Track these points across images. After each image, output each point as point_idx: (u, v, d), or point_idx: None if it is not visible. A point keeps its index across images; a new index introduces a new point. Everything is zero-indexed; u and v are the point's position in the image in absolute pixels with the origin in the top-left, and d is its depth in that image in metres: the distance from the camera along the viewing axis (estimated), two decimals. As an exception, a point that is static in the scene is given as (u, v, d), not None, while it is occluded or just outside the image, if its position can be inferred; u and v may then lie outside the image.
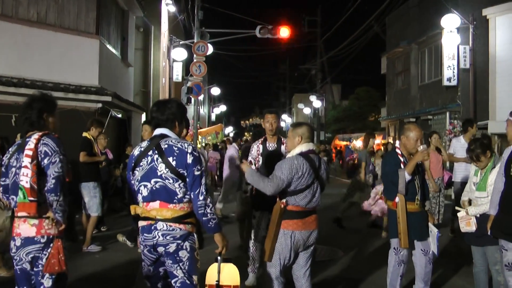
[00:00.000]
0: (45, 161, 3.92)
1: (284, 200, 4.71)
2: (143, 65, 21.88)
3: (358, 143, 35.73)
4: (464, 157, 8.27)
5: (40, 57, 12.91)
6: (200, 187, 3.78)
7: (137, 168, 3.90)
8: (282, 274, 4.83)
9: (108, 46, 15.28)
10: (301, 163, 4.64)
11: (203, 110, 46.11)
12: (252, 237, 6.43)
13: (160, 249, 3.80)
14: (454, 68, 19.69)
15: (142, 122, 16.03)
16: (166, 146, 3.84)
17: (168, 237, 3.77)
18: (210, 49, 21.28)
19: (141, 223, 3.88)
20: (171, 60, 24.80)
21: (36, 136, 3.99)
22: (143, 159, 3.87)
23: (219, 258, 4.06)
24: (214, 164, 19.19)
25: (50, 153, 3.93)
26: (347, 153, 36.80)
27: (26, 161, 3.87)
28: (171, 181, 3.78)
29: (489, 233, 4.91)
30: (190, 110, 20.12)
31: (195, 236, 3.93)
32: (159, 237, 3.77)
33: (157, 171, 3.80)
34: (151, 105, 18.01)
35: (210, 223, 3.81)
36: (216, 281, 4.05)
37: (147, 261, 3.94)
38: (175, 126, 4.02)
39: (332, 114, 44.99)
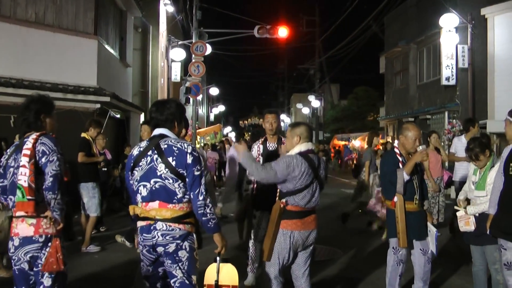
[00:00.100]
0: (43, 159, 3.94)
1: (283, 200, 4.71)
2: (141, 65, 21.88)
3: (356, 142, 35.80)
4: (465, 157, 8.27)
5: (38, 58, 12.89)
6: (200, 187, 3.78)
7: (136, 168, 3.89)
8: (281, 273, 4.83)
9: (106, 46, 15.27)
10: (299, 163, 4.63)
11: (202, 110, 46.13)
12: (252, 237, 6.43)
13: (160, 249, 3.80)
14: (452, 67, 19.71)
15: (141, 122, 16.04)
16: (165, 146, 3.84)
17: (167, 237, 3.77)
18: (209, 49, 21.28)
19: (140, 223, 3.87)
20: (170, 60, 24.81)
21: (33, 136, 4.02)
22: (143, 159, 3.87)
23: (218, 258, 4.07)
24: (213, 164, 19.19)
25: (47, 152, 3.95)
26: (346, 153, 37.03)
27: (24, 160, 3.89)
28: (170, 181, 3.78)
29: (488, 232, 4.91)
30: (189, 110, 20.05)
31: (194, 236, 3.94)
32: (158, 237, 3.77)
33: (157, 171, 3.80)
34: (149, 105, 18.02)
35: (210, 223, 3.81)
36: (215, 280, 4.06)
37: (146, 261, 3.93)
38: (174, 126, 4.02)
39: (331, 113, 45.03)
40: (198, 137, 21.54)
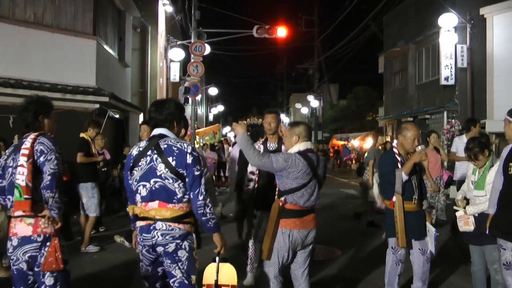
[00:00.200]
0: (41, 158, 3.95)
1: (282, 198, 4.71)
2: (140, 66, 21.87)
3: (356, 142, 35.84)
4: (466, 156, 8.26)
5: (37, 58, 12.89)
6: (200, 187, 3.78)
7: (136, 168, 3.89)
8: (281, 273, 4.83)
9: (105, 46, 15.26)
10: (298, 161, 4.63)
11: (201, 110, 46.12)
12: (252, 236, 6.43)
13: (159, 249, 3.80)
14: (451, 67, 19.73)
15: (140, 122, 16.04)
16: (165, 146, 3.84)
17: (167, 237, 3.77)
18: (208, 49, 21.31)
19: (140, 223, 3.87)
20: (169, 60, 24.83)
21: (32, 136, 4.04)
22: (142, 159, 3.87)
23: (217, 257, 4.07)
24: (212, 164, 19.19)
25: (45, 151, 3.96)
26: (345, 153, 37.04)
27: (22, 160, 3.90)
28: (170, 181, 3.78)
29: (487, 232, 4.91)
30: (188, 110, 20.07)
31: (194, 236, 3.94)
32: (158, 237, 3.77)
33: (157, 171, 3.80)
34: (148, 105, 18.01)
35: (209, 223, 3.81)
36: (215, 280, 4.07)
37: (146, 261, 3.93)
38: (173, 126, 4.02)
39: (330, 113, 45.07)
40: (197, 137, 21.53)
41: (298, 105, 52.49)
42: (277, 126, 6.32)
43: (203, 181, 3.82)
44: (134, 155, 3.95)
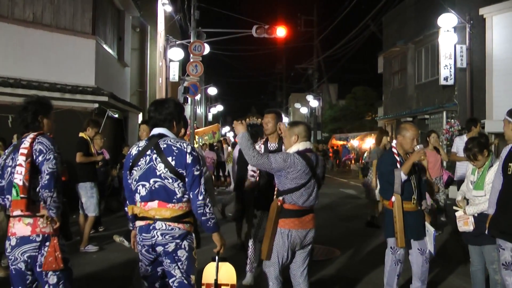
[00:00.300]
0: (40, 158, 3.96)
1: (280, 198, 4.71)
2: (139, 65, 21.86)
3: (355, 142, 35.83)
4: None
5: (36, 58, 12.88)
6: (200, 186, 3.78)
7: (135, 168, 3.88)
8: (281, 273, 4.82)
9: (104, 46, 15.25)
10: (297, 160, 4.63)
11: (200, 110, 46.11)
12: (252, 236, 6.43)
13: (159, 249, 3.80)
14: (451, 67, 19.74)
15: (139, 122, 16.03)
16: (165, 145, 3.83)
17: (167, 237, 3.76)
18: (207, 49, 21.30)
19: (139, 223, 3.87)
20: (168, 60, 24.83)
21: (31, 135, 4.06)
22: (141, 159, 3.86)
23: (216, 257, 4.07)
24: (211, 164, 19.18)
25: (44, 151, 3.98)
26: (344, 153, 37.03)
27: (21, 159, 3.92)
28: (170, 180, 3.77)
29: (487, 232, 4.91)
30: (187, 110, 20.07)
31: (193, 235, 3.94)
32: (158, 236, 3.77)
33: (156, 170, 3.79)
34: (147, 105, 18.01)
35: (209, 222, 3.81)
36: (215, 279, 4.07)
37: (145, 261, 3.93)
38: (173, 126, 4.01)
39: (329, 113, 45.05)
40: (197, 136, 21.50)
41: (297, 105, 52.48)
42: (274, 126, 6.30)
43: (202, 181, 3.81)
44: (133, 154, 3.94)
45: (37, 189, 3.95)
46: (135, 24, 20.93)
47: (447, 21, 19.18)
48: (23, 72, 12.53)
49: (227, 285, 4.12)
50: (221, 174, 21.17)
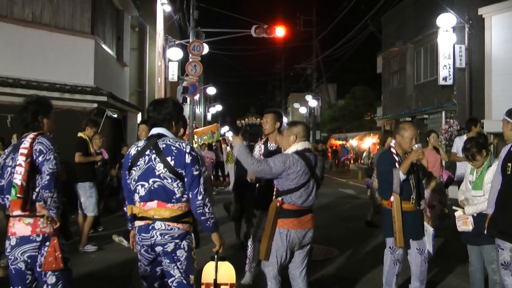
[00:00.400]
0: (40, 158, 3.96)
1: (279, 199, 4.71)
2: (138, 65, 21.85)
3: (354, 142, 35.85)
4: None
5: (35, 58, 12.87)
6: (199, 186, 3.78)
7: (134, 168, 3.88)
8: (279, 273, 4.82)
9: (103, 46, 15.25)
10: (296, 161, 4.63)
11: (199, 110, 46.13)
12: (251, 236, 6.43)
13: (158, 249, 3.80)
14: (450, 67, 19.74)
15: (138, 122, 16.01)
16: (164, 145, 3.83)
17: (166, 237, 3.76)
18: (206, 49, 21.31)
19: (138, 223, 3.86)
20: (167, 59, 24.81)
21: (31, 135, 4.05)
22: (140, 159, 3.86)
23: (216, 256, 4.08)
24: (210, 164, 19.18)
25: (44, 151, 3.98)
26: (343, 153, 37.04)
27: (21, 159, 3.92)
28: (169, 180, 3.77)
29: (485, 232, 4.91)
30: (186, 110, 20.10)
31: (192, 235, 3.94)
32: (157, 236, 3.76)
33: (155, 170, 3.79)
34: (146, 105, 18.00)
35: (208, 222, 3.81)
36: (214, 279, 4.08)
37: (144, 261, 3.93)
38: (172, 126, 4.01)
39: (328, 113, 45.03)
40: (195, 136, 21.50)
41: (296, 105, 52.50)
42: (273, 126, 6.31)
43: (202, 180, 3.81)
44: (132, 154, 3.94)
45: (37, 189, 3.95)
46: (134, 24, 20.93)
47: (446, 21, 19.18)
48: (22, 72, 12.53)
49: (226, 284, 4.13)
50: (220, 174, 21.16)
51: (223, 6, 55.07)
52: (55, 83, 12.81)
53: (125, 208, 4.04)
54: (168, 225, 3.77)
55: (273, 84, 70.82)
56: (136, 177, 3.85)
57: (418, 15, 23.56)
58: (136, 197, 3.86)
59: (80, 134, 8.80)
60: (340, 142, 38.74)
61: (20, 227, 3.95)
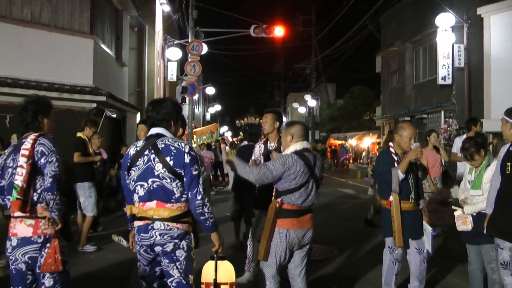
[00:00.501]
0: (42, 160, 3.94)
1: (279, 199, 4.71)
2: (137, 65, 21.85)
3: (353, 142, 35.83)
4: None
5: (34, 57, 12.87)
6: (198, 186, 3.78)
7: (133, 168, 3.88)
8: (278, 273, 4.82)
9: (102, 45, 15.25)
10: (295, 162, 4.63)
11: (198, 110, 46.09)
12: (250, 235, 6.43)
13: (157, 249, 3.80)
14: (448, 67, 19.72)
15: (137, 121, 16.01)
16: (163, 145, 3.83)
17: (165, 237, 3.76)
18: (205, 49, 21.31)
19: (137, 223, 3.86)
20: (166, 59, 24.79)
21: (32, 136, 4.03)
22: (139, 159, 3.86)
23: (215, 256, 4.08)
24: (209, 164, 19.17)
25: (46, 153, 3.96)
26: (342, 153, 37.03)
27: (22, 160, 3.90)
28: (168, 180, 3.77)
29: (485, 231, 4.91)
30: (185, 110, 20.10)
31: (192, 235, 3.94)
32: (156, 236, 3.76)
33: (154, 170, 3.79)
34: (145, 104, 17.93)
35: (208, 222, 3.81)
36: (214, 278, 4.08)
37: (143, 261, 3.93)
38: (170, 126, 4.01)
39: (327, 113, 45.01)
40: (195, 136, 21.51)
41: (295, 105, 52.48)
42: (272, 126, 6.31)
43: (201, 180, 3.81)
44: (131, 154, 3.94)
45: (38, 190, 3.95)
46: (133, 24, 20.92)
47: (445, 21, 19.17)
48: (21, 72, 12.52)
49: (226, 283, 4.13)
50: (219, 173, 21.14)
51: (222, 6, 55.22)
52: (54, 83, 12.81)
53: (124, 208, 4.04)
54: (167, 225, 3.77)
55: (272, 84, 70.81)
56: (135, 177, 3.85)
57: (417, 14, 23.56)
58: (135, 197, 3.86)
59: (79, 134, 8.80)
60: (339, 142, 38.73)
61: (21, 228, 3.94)
